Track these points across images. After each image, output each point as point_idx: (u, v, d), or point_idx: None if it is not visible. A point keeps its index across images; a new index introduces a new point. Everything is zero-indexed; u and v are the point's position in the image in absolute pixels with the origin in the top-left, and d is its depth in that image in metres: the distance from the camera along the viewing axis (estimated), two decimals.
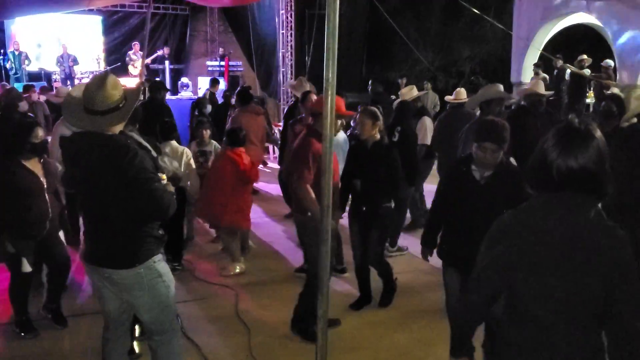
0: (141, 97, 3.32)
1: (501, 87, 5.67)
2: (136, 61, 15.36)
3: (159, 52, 15.90)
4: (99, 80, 2.95)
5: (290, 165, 4.65)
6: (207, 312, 4.93)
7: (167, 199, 2.92)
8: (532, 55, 13.87)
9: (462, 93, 7.09)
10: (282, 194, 7.42)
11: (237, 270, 5.76)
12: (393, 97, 10.59)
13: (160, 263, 3.11)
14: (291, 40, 15.56)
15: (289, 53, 15.65)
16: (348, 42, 14.27)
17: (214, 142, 6.60)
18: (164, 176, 3.09)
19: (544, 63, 12.87)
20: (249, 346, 4.29)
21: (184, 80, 14.96)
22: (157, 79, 15.23)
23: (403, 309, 4.98)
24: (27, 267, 4.28)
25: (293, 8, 15.35)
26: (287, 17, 15.44)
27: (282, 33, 15.51)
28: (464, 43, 19.79)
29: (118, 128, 3.00)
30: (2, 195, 4.13)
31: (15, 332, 4.43)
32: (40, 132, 4.23)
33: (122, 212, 2.94)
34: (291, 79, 15.64)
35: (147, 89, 7.75)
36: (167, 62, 15.94)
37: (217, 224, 5.87)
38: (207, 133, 6.44)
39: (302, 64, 15.43)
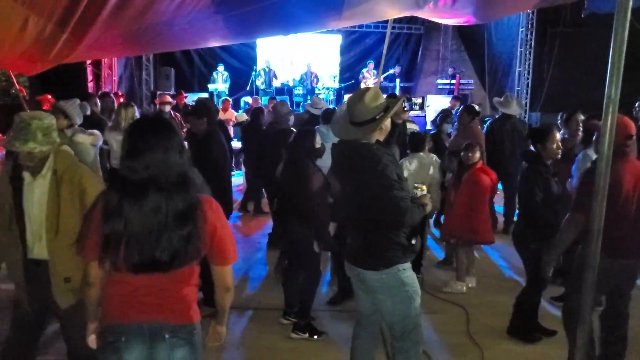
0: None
1: None
2: (368, 79, 16.08)
3: (391, 71, 16.43)
4: (359, 94, 3.15)
5: None
6: (438, 327, 4.92)
7: (404, 208, 2.97)
8: None
9: None
10: None
11: (460, 288, 5.69)
12: None
13: (406, 272, 3.16)
14: (529, 59, 14.94)
15: (526, 72, 15.04)
16: (595, 61, 13.25)
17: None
18: (424, 187, 3.15)
19: None
20: None
21: (414, 100, 15.23)
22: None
23: None
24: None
25: (534, 25, 14.74)
26: (527, 35, 14.86)
27: (521, 51, 14.98)
28: None
29: (374, 136, 3.14)
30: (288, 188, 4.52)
31: (295, 337, 4.58)
32: (319, 138, 4.65)
33: (367, 215, 3.10)
34: (526, 98, 15.03)
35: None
36: (397, 80, 16.41)
37: (474, 239, 5.76)
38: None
39: (539, 83, 14.69)
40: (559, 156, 4.48)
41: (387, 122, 3.17)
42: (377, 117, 3.09)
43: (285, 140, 6.34)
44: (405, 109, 3.41)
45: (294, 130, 6.67)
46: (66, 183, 2.99)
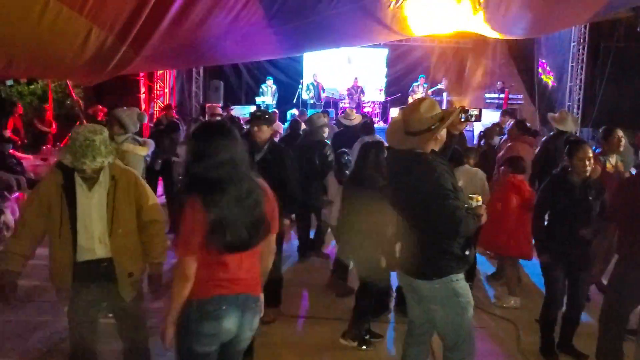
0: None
1: None
2: (417, 93, 16.04)
3: (440, 85, 16.34)
4: (415, 105, 3.16)
5: None
6: (488, 342, 4.83)
7: (458, 217, 2.93)
8: None
9: None
10: None
11: (512, 303, 5.58)
12: None
13: (459, 282, 3.11)
14: (581, 74, 14.61)
15: (578, 87, 14.71)
16: None
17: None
18: (479, 197, 3.11)
19: None
20: None
21: (471, 111, 15.02)
22: None
23: None
24: None
25: (586, 40, 14.43)
26: (579, 50, 14.55)
27: (572, 66, 14.67)
28: None
29: (430, 146, 3.13)
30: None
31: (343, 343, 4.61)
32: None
33: (420, 224, 3.08)
34: (577, 114, 14.71)
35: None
36: (444, 94, 16.30)
37: (504, 253, 5.73)
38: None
39: (590, 99, 14.36)
40: (587, 174, 4.30)
41: (443, 133, 3.16)
42: (433, 127, 3.09)
43: (319, 151, 6.42)
44: (462, 120, 3.38)
45: (328, 142, 6.72)
46: (123, 185, 3.14)
